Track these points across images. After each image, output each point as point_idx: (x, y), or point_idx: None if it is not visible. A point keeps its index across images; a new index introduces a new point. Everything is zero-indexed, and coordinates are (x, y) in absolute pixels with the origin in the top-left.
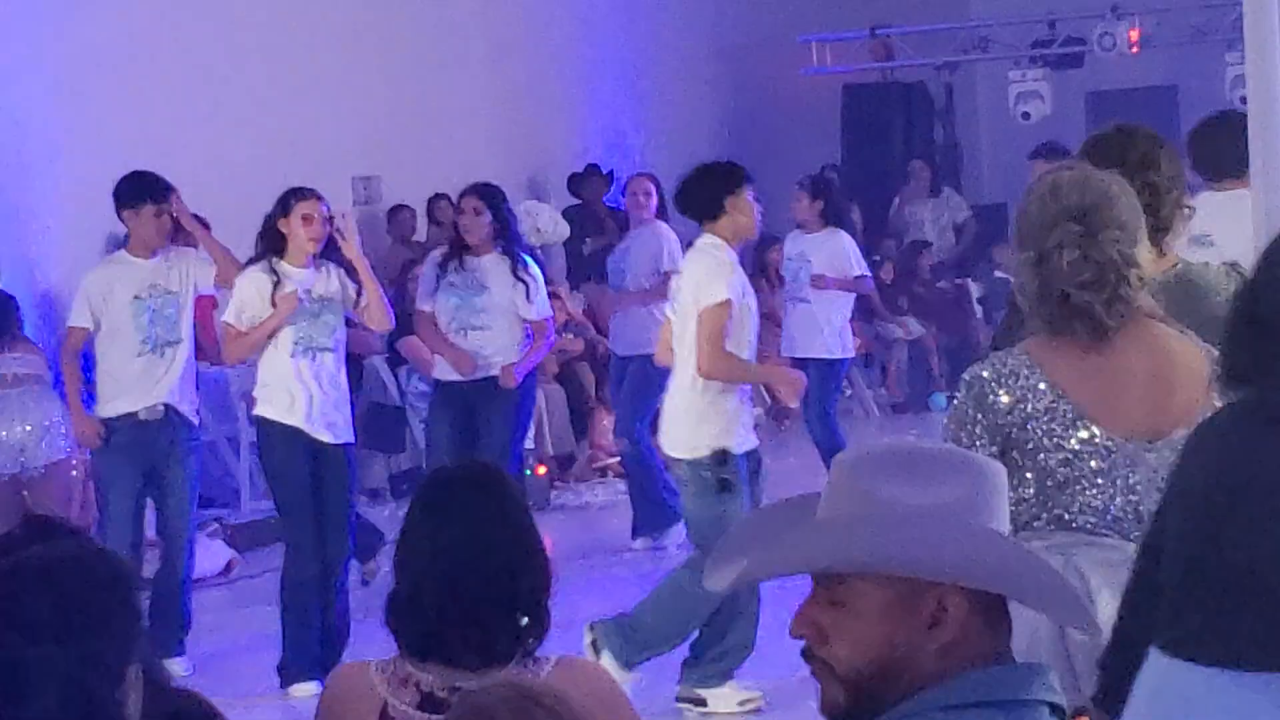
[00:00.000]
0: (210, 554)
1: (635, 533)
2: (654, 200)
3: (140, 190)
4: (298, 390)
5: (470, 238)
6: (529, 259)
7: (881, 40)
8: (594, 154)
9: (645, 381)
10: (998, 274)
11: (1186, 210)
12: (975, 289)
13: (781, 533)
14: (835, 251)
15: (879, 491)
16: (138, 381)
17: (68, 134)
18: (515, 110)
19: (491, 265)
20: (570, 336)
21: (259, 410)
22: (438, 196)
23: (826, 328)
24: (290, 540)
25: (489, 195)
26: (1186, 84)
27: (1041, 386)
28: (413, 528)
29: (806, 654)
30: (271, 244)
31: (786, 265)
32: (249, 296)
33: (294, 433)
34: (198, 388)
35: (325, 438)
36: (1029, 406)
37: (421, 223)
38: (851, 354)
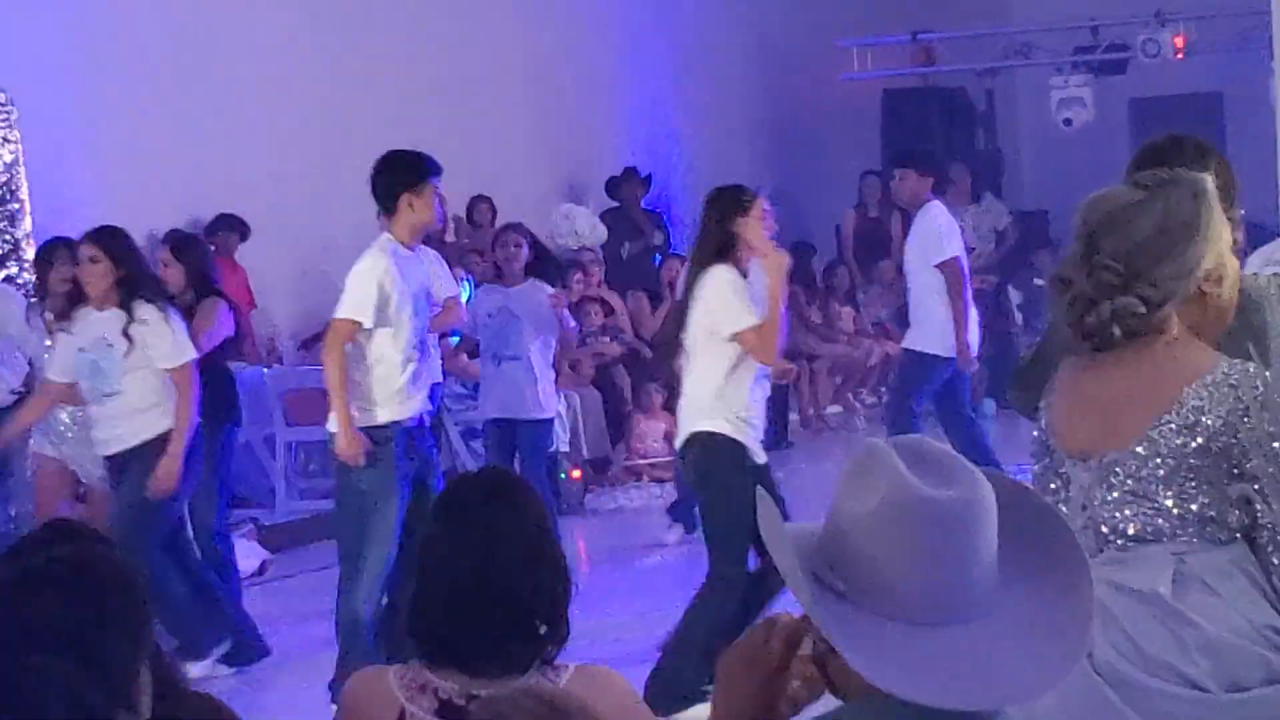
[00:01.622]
0: (244, 554)
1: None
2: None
3: (425, 167)
4: None
5: None
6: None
7: (922, 45)
8: (633, 157)
9: None
10: (1037, 281)
11: (1236, 220)
12: (1015, 295)
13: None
14: None
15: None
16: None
17: (109, 143)
18: (554, 113)
19: None
20: (608, 340)
21: None
22: (478, 198)
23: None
24: None
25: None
26: (1231, 91)
27: (1044, 405)
28: (431, 534)
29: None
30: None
31: None
32: None
33: None
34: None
35: None
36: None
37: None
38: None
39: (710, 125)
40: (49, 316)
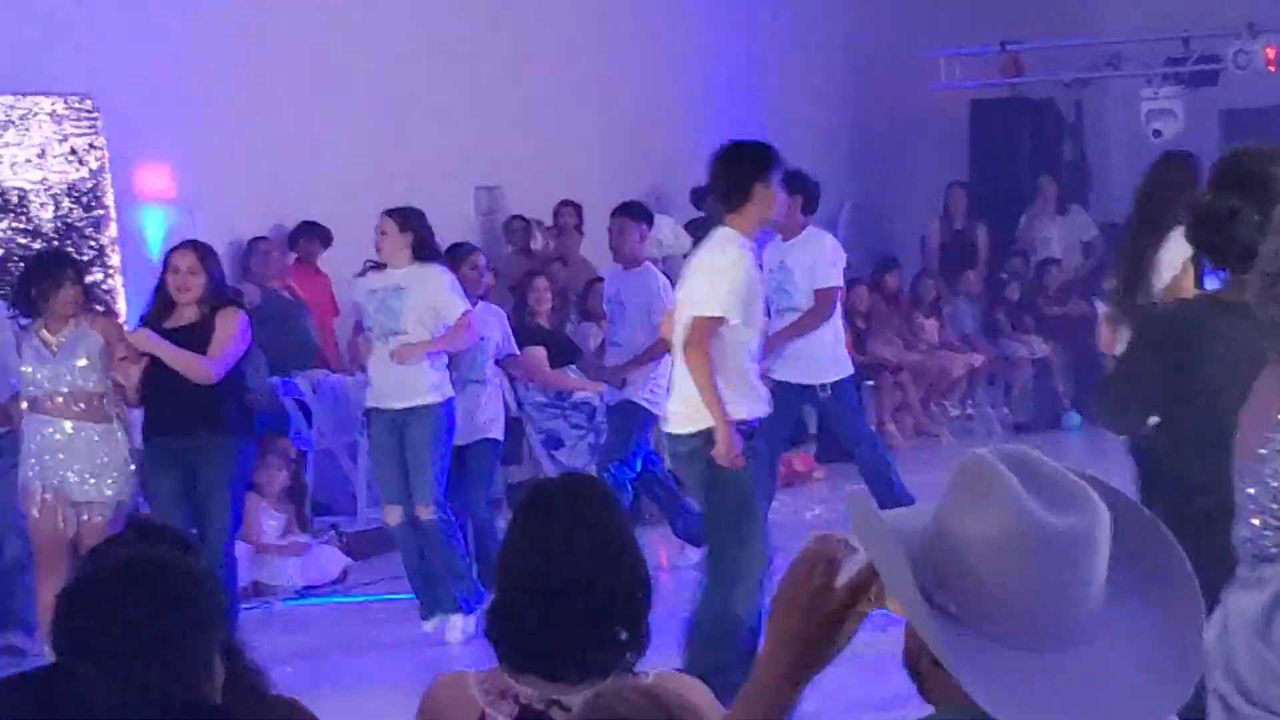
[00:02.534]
0: (326, 561)
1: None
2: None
3: (774, 157)
4: None
5: None
6: None
7: (1011, 55)
8: None
9: None
10: None
11: None
12: (1102, 308)
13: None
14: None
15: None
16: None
17: (193, 149)
18: (638, 121)
19: None
20: None
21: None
22: (564, 204)
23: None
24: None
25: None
26: None
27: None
28: (513, 539)
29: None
30: None
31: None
32: None
33: None
34: (318, 395)
35: None
36: None
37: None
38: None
39: (796, 135)
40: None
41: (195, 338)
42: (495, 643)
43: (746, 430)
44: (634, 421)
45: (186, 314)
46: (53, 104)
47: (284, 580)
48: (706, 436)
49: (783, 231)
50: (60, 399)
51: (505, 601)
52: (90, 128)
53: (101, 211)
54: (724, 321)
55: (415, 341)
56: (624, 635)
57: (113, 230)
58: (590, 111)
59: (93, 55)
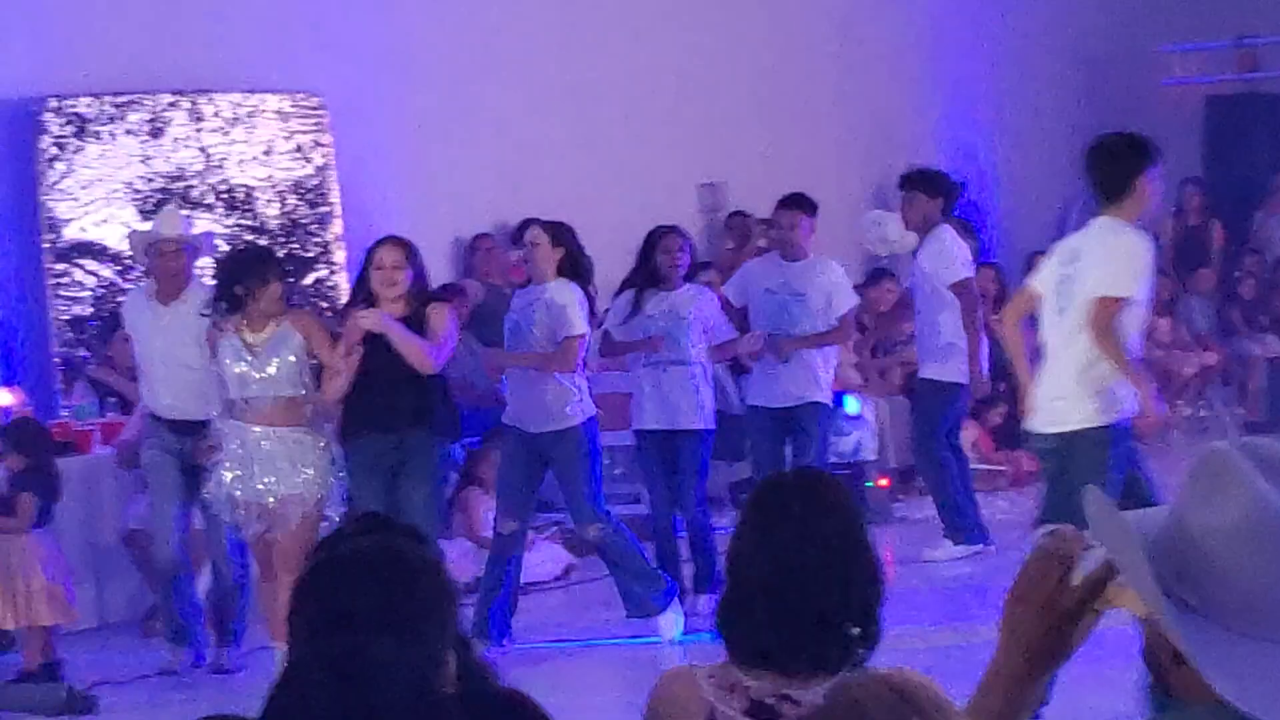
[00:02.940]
0: (549, 558)
1: None
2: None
3: (1154, 151)
4: None
5: None
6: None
7: (1247, 50)
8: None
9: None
10: None
11: None
12: None
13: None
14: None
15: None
16: None
17: (419, 147)
18: (863, 117)
19: None
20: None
21: None
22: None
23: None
24: None
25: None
26: None
27: None
28: (744, 533)
29: None
30: None
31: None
32: None
33: None
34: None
35: None
36: None
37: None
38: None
39: (1024, 131)
40: None
41: None
42: (725, 637)
43: (1116, 432)
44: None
45: (392, 309)
46: (280, 101)
47: (546, 574)
48: (1070, 438)
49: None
50: (262, 402)
51: (736, 596)
52: (316, 125)
53: (326, 208)
54: (1126, 302)
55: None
56: (855, 630)
57: (337, 227)
58: (816, 108)
59: (320, 53)
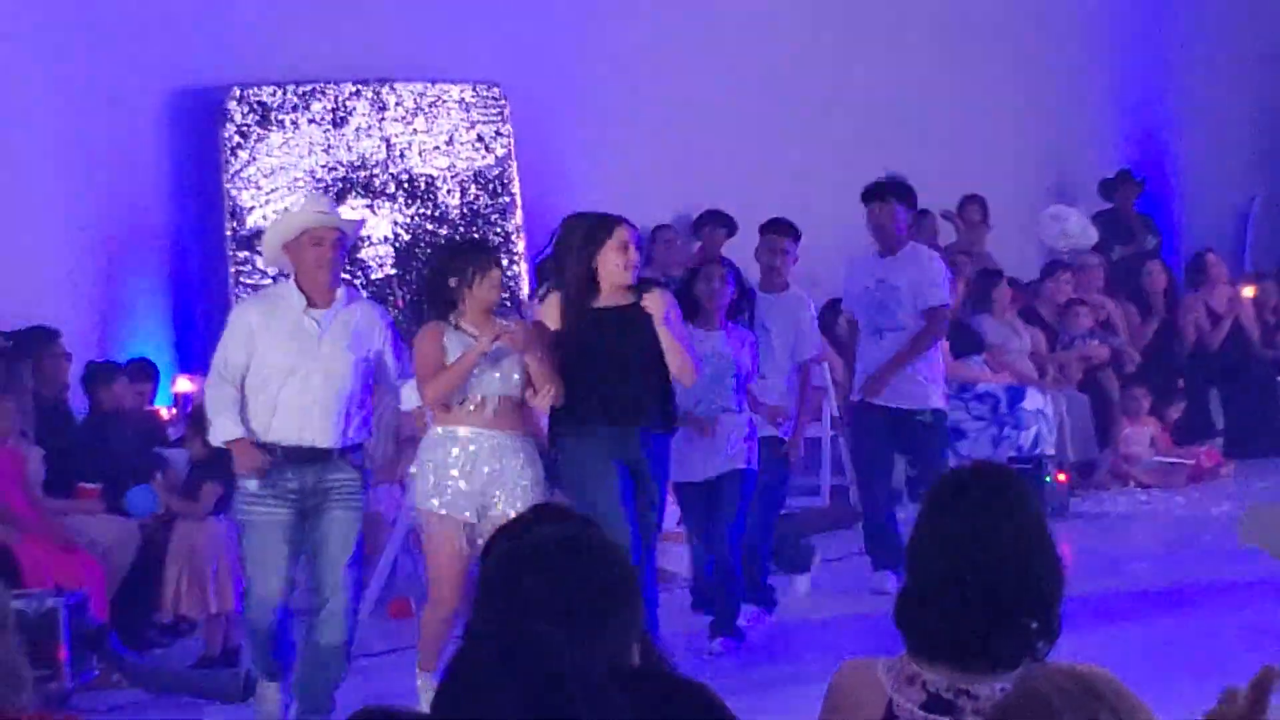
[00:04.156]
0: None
1: None
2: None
3: None
4: None
5: None
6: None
7: None
8: (1126, 158)
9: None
10: None
11: None
12: None
13: None
14: None
15: None
16: None
17: (600, 137)
18: (1044, 113)
19: None
20: (1095, 343)
21: None
22: (969, 198)
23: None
24: None
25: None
26: None
27: None
28: (924, 527)
29: None
30: None
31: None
32: None
33: None
34: None
35: None
36: None
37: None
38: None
39: (1206, 127)
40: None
41: (625, 319)
42: (904, 631)
43: None
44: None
45: (619, 298)
46: (461, 91)
47: (684, 569)
48: None
49: (884, 246)
50: (493, 403)
51: (916, 589)
52: (498, 115)
53: (507, 199)
54: None
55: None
56: (1034, 625)
57: (518, 218)
58: (996, 103)
59: (501, 43)
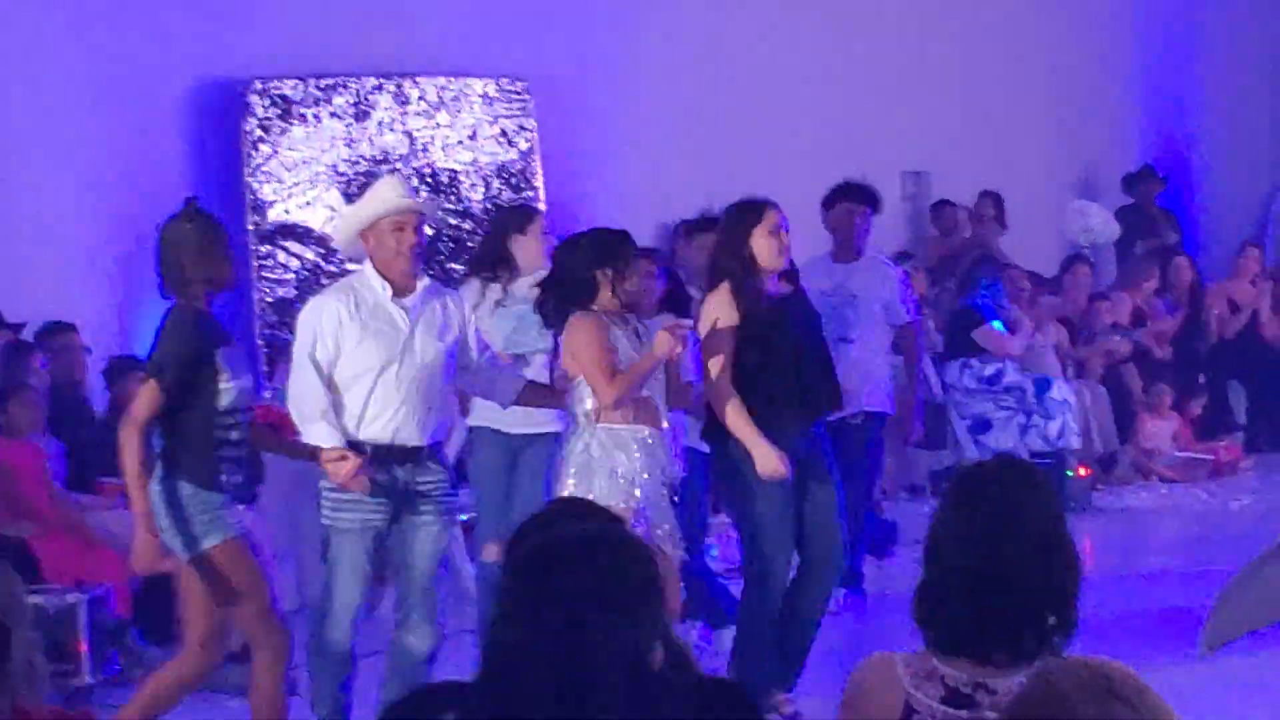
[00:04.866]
0: None
1: None
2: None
3: None
4: None
5: None
6: None
7: None
8: (1149, 153)
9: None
10: None
11: None
12: None
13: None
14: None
15: None
16: None
17: (623, 133)
18: (1068, 107)
19: None
20: (1117, 339)
21: None
22: (984, 194)
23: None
24: None
25: None
26: None
27: None
28: (942, 520)
29: None
30: None
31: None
32: None
33: None
34: None
35: None
36: None
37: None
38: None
39: (1230, 124)
40: None
41: (801, 306)
42: (923, 626)
43: None
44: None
45: (778, 283)
46: (484, 85)
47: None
48: None
49: (846, 251)
50: (653, 400)
51: (934, 584)
52: (521, 109)
53: (531, 193)
54: None
55: None
56: (1052, 620)
57: None
58: (1021, 99)
59: (524, 37)
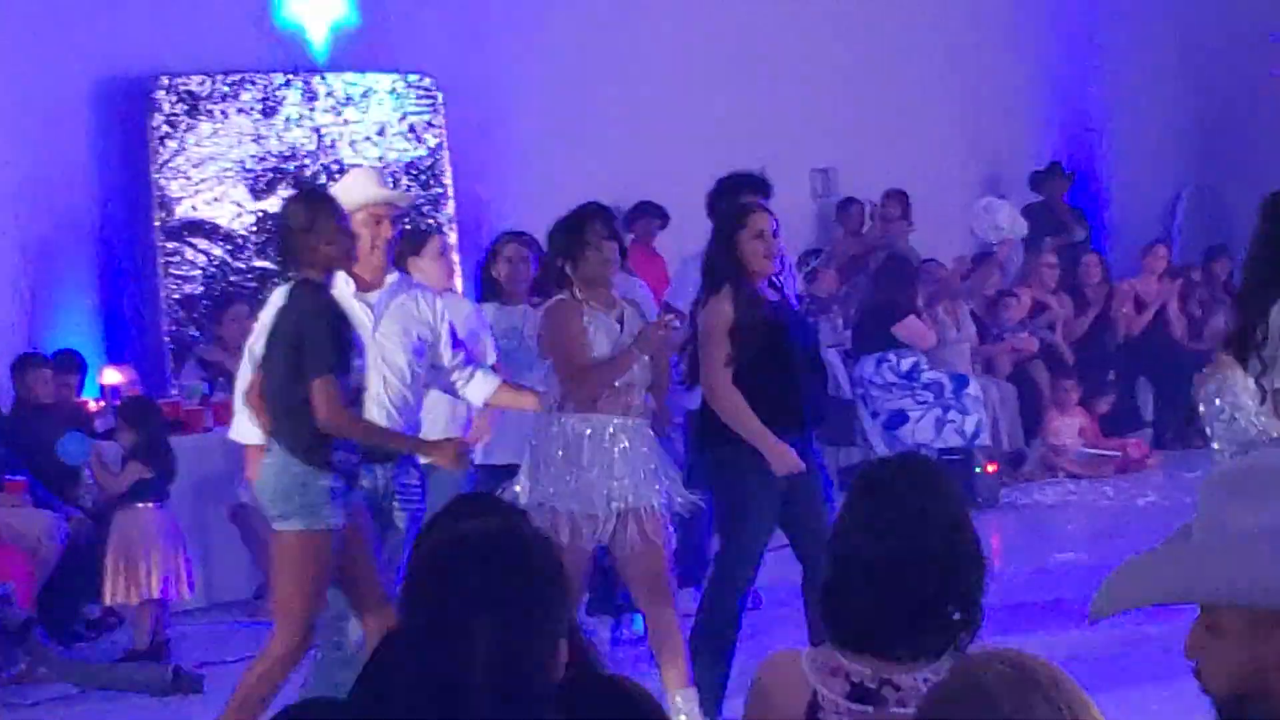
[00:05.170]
0: None
1: None
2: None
3: None
4: None
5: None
6: None
7: None
8: (1056, 151)
9: None
10: None
11: None
12: None
13: (1157, 562)
14: None
15: (1219, 514)
16: None
17: (532, 129)
18: (975, 105)
19: None
20: (1025, 335)
21: None
22: (889, 194)
23: None
24: None
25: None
26: None
27: None
28: (847, 516)
29: (1197, 676)
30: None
31: None
32: None
33: None
34: None
35: None
36: None
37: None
38: None
39: (1135, 121)
40: None
41: (792, 312)
42: (827, 621)
43: None
44: None
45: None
46: (393, 82)
47: None
48: None
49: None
50: (638, 389)
51: (838, 579)
52: (429, 106)
53: (440, 189)
54: None
55: None
56: (957, 615)
57: (450, 208)
58: (929, 97)
59: (433, 34)
